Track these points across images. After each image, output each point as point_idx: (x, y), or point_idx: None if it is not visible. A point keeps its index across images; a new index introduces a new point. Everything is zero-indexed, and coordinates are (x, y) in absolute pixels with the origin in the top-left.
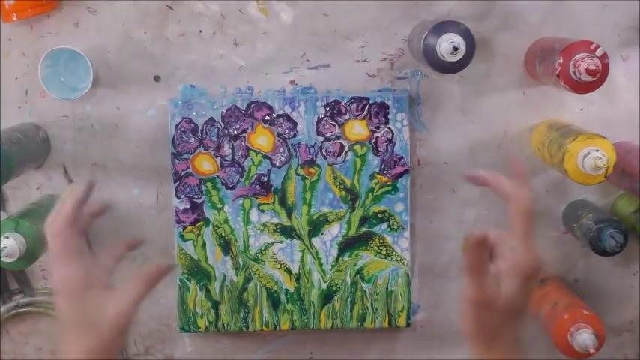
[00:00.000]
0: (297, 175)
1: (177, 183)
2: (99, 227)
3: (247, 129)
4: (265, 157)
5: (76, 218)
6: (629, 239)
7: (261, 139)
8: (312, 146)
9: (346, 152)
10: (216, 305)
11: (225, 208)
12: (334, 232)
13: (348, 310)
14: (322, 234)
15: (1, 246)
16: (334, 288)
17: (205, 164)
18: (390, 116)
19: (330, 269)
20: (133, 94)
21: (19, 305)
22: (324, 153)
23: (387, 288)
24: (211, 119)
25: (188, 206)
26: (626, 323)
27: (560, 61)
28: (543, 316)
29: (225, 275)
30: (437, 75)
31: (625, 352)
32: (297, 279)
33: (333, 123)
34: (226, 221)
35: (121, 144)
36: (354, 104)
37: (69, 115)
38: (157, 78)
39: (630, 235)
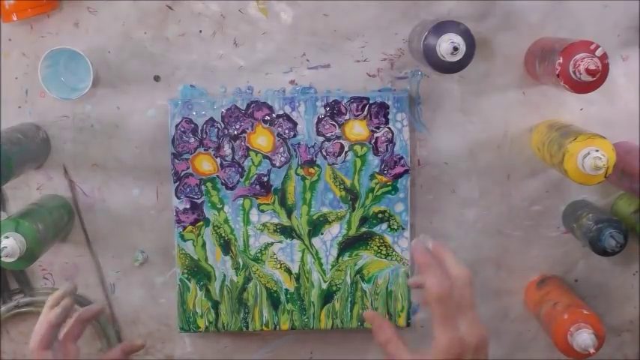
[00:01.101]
0: (297, 175)
1: (177, 183)
2: (99, 227)
3: (247, 129)
4: (265, 157)
5: (51, 340)
6: (629, 239)
7: (261, 139)
8: (312, 146)
9: (346, 152)
10: (216, 305)
11: (225, 208)
12: (334, 232)
13: (348, 310)
14: (322, 234)
15: (1, 246)
16: (334, 288)
17: (205, 164)
18: (390, 116)
19: (330, 269)
20: (133, 94)
21: (19, 305)
22: (324, 153)
23: (387, 288)
24: (211, 119)
25: (188, 206)
26: (626, 323)
27: (560, 61)
28: (543, 316)
29: (225, 275)
30: (437, 75)
31: (625, 352)
32: (297, 279)
33: (333, 123)
34: (226, 221)
35: (121, 144)
36: (354, 104)
37: (69, 115)
38: (157, 78)
39: (630, 235)
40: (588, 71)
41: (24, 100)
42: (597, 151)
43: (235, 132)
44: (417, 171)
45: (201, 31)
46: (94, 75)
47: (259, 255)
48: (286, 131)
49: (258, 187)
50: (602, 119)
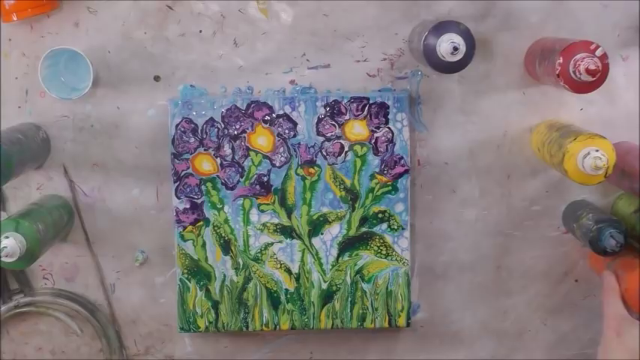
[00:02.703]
0: (297, 175)
1: (177, 183)
2: (99, 227)
3: (247, 129)
4: (265, 157)
5: None
6: (629, 239)
7: (261, 139)
8: (312, 146)
9: (346, 152)
10: (216, 305)
11: (225, 208)
12: (334, 232)
13: (348, 310)
14: (322, 234)
15: (1, 246)
16: (334, 288)
17: (205, 164)
18: (390, 116)
19: (330, 269)
20: (133, 94)
21: (19, 305)
22: (324, 153)
23: (387, 288)
24: (211, 119)
25: (188, 206)
26: None
27: (560, 61)
28: (617, 264)
29: (225, 275)
30: (437, 75)
31: None
32: (297, 279)
33: (333, 123)
34: (226, 221)
35: (121, 144)
36: (354, 104)
37: (69, 115)
38: (156, 78)
39: (630, 235)
40: (588, 71)
41: (24, 100)
42: (597, 151)
43: (235, 132)
44: (417, 171)
45: (201, 31)
46: (94, 75)
47: (259, 255)
48: (286, 131)
49: (258, 187)
50: (602, 119)
